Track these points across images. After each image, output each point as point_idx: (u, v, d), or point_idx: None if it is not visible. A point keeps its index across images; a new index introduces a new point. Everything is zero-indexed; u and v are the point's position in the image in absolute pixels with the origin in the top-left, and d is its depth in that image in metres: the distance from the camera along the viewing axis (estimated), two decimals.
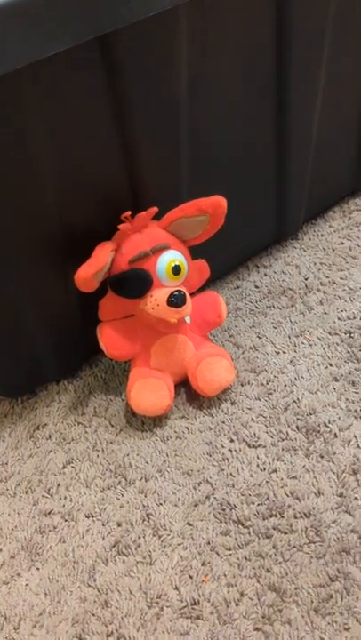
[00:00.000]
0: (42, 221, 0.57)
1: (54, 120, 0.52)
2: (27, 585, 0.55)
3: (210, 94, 0.62)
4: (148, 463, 0.62)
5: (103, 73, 0.52)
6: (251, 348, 0.71)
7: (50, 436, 0.66)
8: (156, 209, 0.59)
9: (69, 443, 0.65)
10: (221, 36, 0.59)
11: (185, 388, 0.68)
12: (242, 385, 0.67)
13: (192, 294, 0.64)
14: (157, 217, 0.60)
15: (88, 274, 0.56)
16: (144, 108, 0.56)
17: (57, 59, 0.47)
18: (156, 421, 0.65)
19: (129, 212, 0.59)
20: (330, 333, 0.71)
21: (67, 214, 0.58)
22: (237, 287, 0.79)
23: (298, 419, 0.63)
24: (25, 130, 0.50)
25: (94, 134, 0.55)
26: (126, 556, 0.55)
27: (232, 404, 0.66)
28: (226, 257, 0.78)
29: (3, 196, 0.53)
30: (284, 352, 0.70)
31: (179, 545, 0.55)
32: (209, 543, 0.55)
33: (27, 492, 0.61)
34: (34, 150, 0.52)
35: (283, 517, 0.56)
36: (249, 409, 0.65)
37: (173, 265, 0.59)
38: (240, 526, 0.56)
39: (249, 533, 0.55)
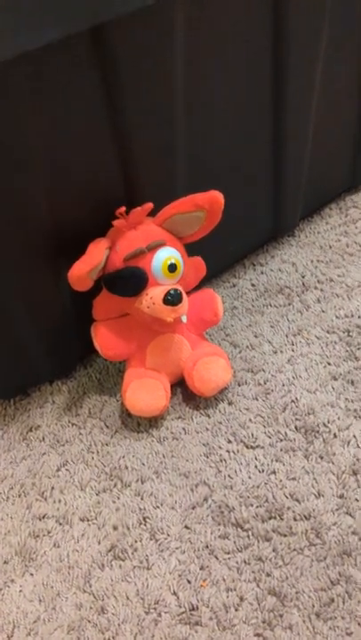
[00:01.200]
0: (32, 217, 0.56)
1: (48, 116, 0.51)
2: (20, 591, 0.54)
3: (206, 90, 0.61)
4: (144, 465, 0.61)
5: (98, 68, 0.51)
6: (248, 347, 0.70)
7: (43, 438, 0.65)
8: (151, 205, 0.58)
9: (63, 445, 0.64)
10: (218, 32, 0.58)
11: (181, 389, 0.66)
12: (239, 385, 0.66)
13: (188, 292, 0.63)
14: (152, 213, 0.59)
15: (82, 272, 0.54)
16: (139, 104, 0.55)
17: (51, 55, 0.46)
18: (152, 422, 0.64)
19: (123, 208, 0.57)
20: (328, 332, 0.70)
21: (58, 210, 0.57)
22: (233, 285, 0.78)
23: (296, 419, 0.62)
24: (20, 127, 0.49)
25: (87, 130, 0.54)
26: (123, 560, 0.54)
27: (229, 404, 0.65)
28: (221, 254, 0.77)
29: None
30: (281, 351, 0.69)
31: (176, 549, 0.54)
32: (207, 547, 0.54)
33: (20, 496, 0.60)
34: (27, 146, 0.51)
35: (282, 520, 0.55)
36: (246, 409, 0.64)
37: (169, 262, 0.58)
38: (239, 529, 0.55)
39: (248, 536, 0.54)
